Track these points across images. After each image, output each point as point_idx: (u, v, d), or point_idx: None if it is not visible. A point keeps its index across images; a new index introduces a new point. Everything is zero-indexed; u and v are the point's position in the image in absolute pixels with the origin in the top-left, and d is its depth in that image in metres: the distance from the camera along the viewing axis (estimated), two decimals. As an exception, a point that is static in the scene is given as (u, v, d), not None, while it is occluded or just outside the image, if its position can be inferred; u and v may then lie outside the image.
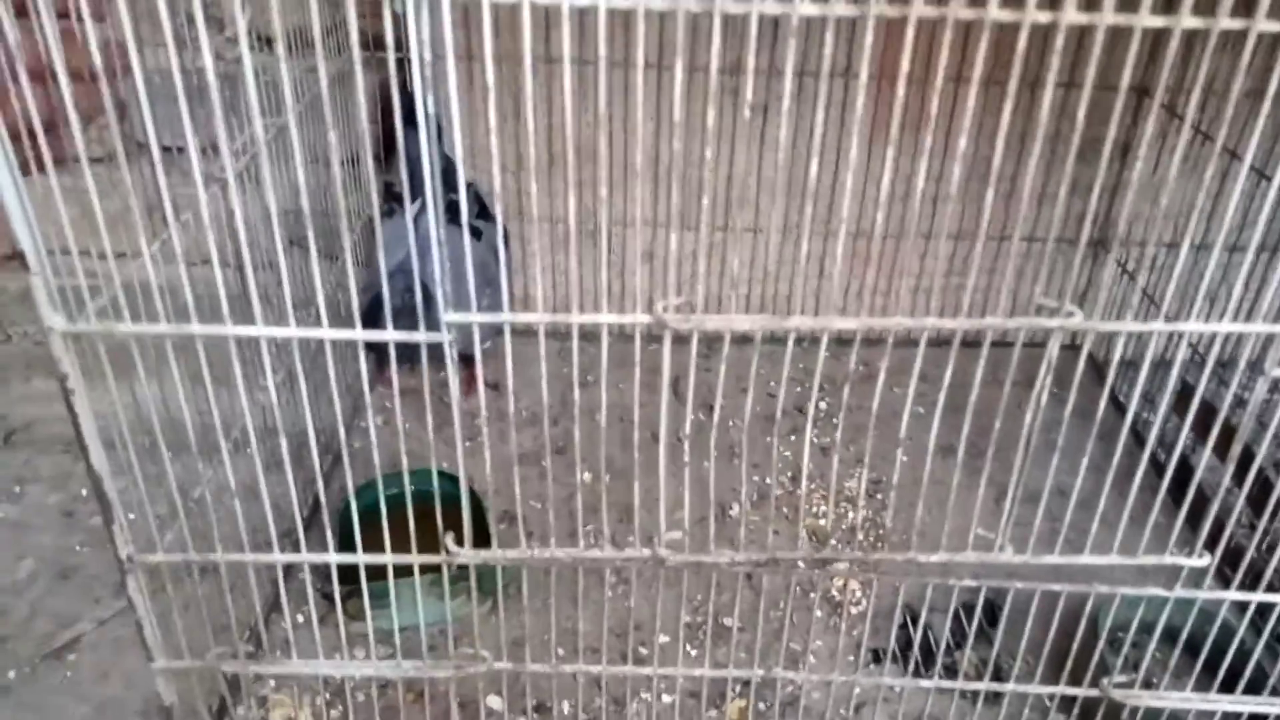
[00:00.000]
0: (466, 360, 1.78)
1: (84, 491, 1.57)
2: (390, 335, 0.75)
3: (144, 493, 0.80)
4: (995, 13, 0.61)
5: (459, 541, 0.82)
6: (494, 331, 1.60)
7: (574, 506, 1.43)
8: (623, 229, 1.79)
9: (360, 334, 0.76)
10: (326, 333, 0.74)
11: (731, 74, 1.62)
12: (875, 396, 0.81)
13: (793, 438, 1.63)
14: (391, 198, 1.61)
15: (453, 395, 0.78)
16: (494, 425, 1.63)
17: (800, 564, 1.32)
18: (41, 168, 0.69)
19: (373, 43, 1.58)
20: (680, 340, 0.72)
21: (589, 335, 1.86)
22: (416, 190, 1.62)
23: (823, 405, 1.70)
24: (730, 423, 1.66)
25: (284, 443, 0.80)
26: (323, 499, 0.90)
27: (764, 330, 0.73)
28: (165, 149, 0.67)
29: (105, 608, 1.38)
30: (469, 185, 1.66)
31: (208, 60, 0.60)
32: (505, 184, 1.73)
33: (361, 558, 0.86)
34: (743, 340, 1.88)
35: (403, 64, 1.59)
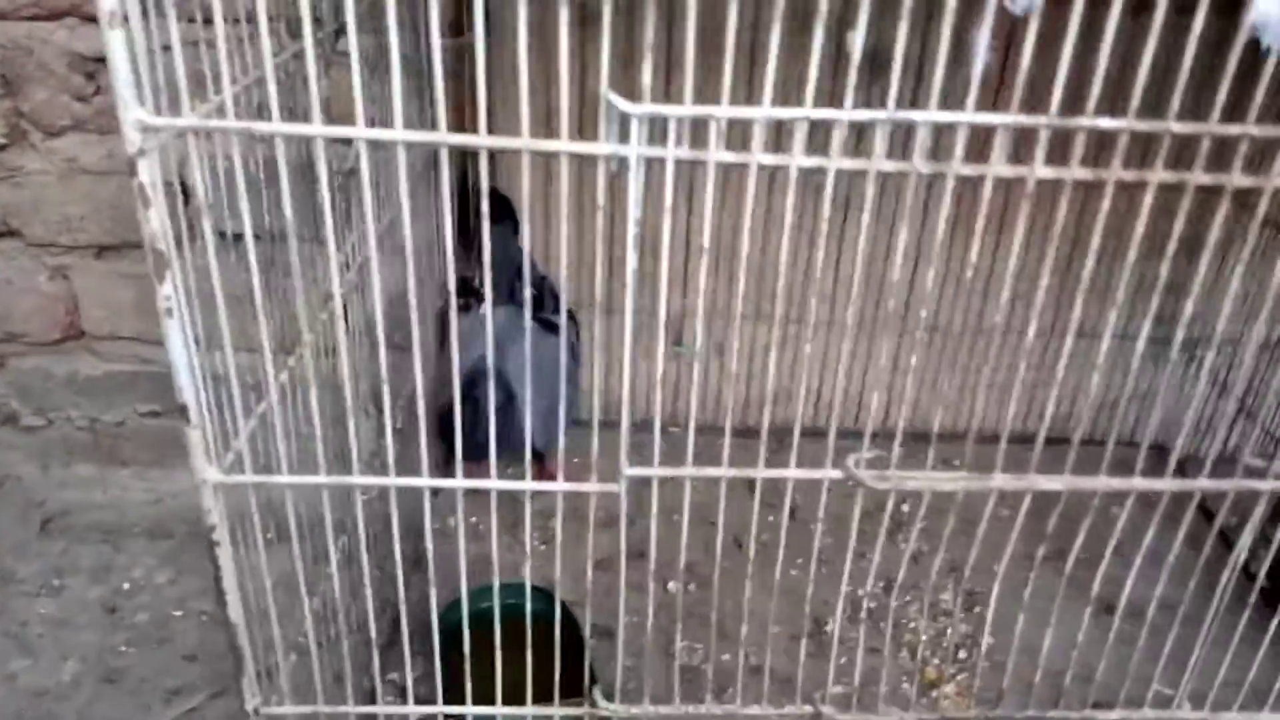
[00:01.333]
0: (538, 456, 1.72)
1: (126, 585, 1.50)
2: (561, 486, 0.70)
3: (279, 643, 0.73)
4: (1076, 172, 0.57)
5: (607, 695, 0.74)
6: (572, 423, 1.55)
7: (662, 620, 1.35)
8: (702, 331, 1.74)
9: (497, 484, 0.70)
10: (494, 484, 0.69)
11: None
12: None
13: (879, 542, 1.55)
14: (469, 293, 1.57)
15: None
16: (568, 526, 1.56)
17: None
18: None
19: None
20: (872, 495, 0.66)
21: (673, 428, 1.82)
22: (498, 285, 1.59)
23: (904, 508, 1.63)
24: (810, 526, 1.58)
25: (366, 570, 0.73)
26: (403, 621, 0.82)
27: (964, 490, 0.67)
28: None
29: (157, 716, 1.30)
30: (543, 279, 1.62)
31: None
32: (579, 279, 1.69)
33: (500, 710, 0.79)
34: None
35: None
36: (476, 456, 1.65)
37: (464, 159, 1.56)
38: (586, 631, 1.19)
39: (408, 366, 0.64)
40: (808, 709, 0.78)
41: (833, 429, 0.69)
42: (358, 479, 0.67)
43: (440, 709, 0.78)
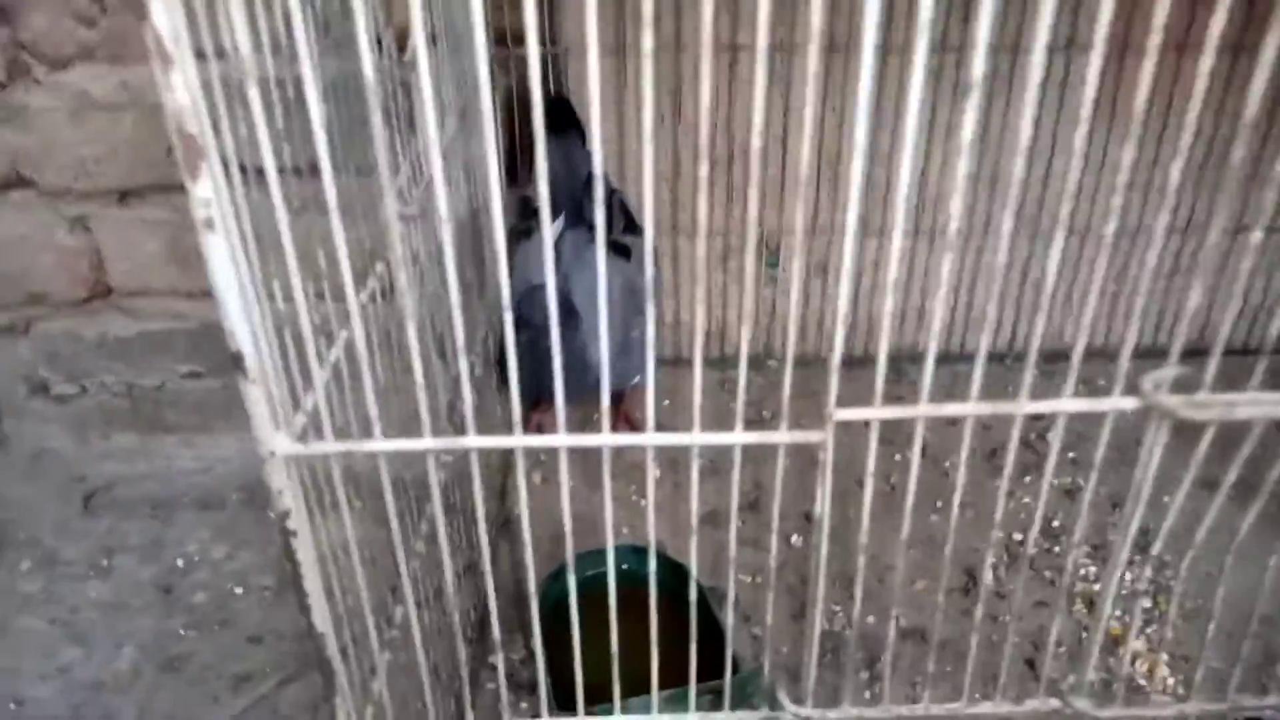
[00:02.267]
0: (615, 398, 1.54)
1: (180, 563, 1.35)
2: (741, 437, 0.52)
3: (375, 646, 0.56)
4: None
5: (797, 698, 0.56)
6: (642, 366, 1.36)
7: (789, 577, 1.19)
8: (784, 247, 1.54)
9: (609, 438, 0.52)
10: (607, 439, 0.51)
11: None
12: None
13: (1027, 479, 1.36)
14: (529, 214, 1.38)
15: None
16: (667, 476, 1.38)
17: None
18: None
19: (510, 39, 1.35)
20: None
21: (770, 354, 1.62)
22: (559, 207, 1.39)
23: (1048, 437, 1.42)
24: (946, 463, 1.39)
25: (446, 558, 0.56)
26: (492, 602, 0.65)
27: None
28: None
29: (225, 707, 1.15)
30: (613, 193, 1.41)
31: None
32: (659, 195, 1.49)
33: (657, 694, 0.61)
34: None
35: (547, 61, 1.36)
36: (536, 397, 1.49)
37: (521, 62, 1.35)
38: (731, 609, 1.02)
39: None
40: (1055, 703, 0.60)
41: (1128, 346, 0.49)
42: (473, 440, 0.49)
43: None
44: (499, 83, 1.36)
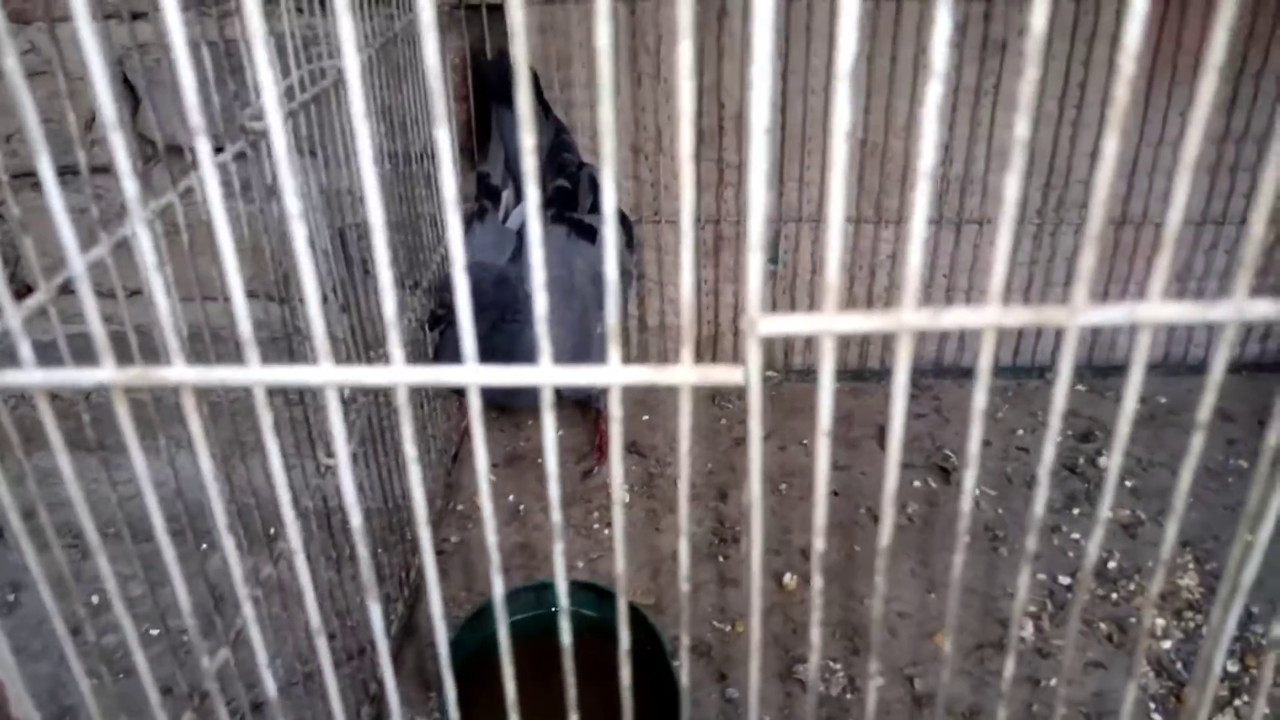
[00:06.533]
0: (583, 408, 1.33)
1: (94, 600, 1.17)
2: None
3: None
4: None
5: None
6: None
7: (775, 626, 0.97)
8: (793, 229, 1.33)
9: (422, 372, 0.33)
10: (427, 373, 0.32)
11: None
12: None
13: (1075, 511, 1.12)
14: (486, 193, 1.18)
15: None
16: (638, 502, 1.17)
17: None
18: None
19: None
20: None
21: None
22: (517, 185, 1.20)
23: (1100, 460, 1.19)
24: (978, 489, 1.16)
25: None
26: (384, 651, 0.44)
27: None
28: None
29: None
30: (581, 168, 1.22)
31: None
32: (638, 174, 1.29)
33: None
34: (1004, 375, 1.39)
35: (497, 17, 1.18)
36: (496, 403, 1.28)
37: (480, 23, 1.17)
38: (682, 654, 0.80)
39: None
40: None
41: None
42: (258, 372, 0.29)
43: None
44: (450, 43, 1.18)
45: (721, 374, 0.35)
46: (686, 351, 0.35)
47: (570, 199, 1.17)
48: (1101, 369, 1.39)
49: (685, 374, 0.35)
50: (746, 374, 0.35)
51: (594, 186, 1.19)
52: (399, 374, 0.35)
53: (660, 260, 1.34)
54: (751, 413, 0.36)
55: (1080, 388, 1.37)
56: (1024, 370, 1.39)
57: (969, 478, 0.37)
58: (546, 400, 0.36)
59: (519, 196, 1.14)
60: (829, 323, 0.32)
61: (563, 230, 1.13)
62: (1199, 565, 1.03)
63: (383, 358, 0.90)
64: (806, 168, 1.27)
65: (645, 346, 1.41)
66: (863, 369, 1.40)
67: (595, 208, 1.18)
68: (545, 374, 0.35)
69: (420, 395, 1.10)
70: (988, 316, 0.33)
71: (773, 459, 1.21)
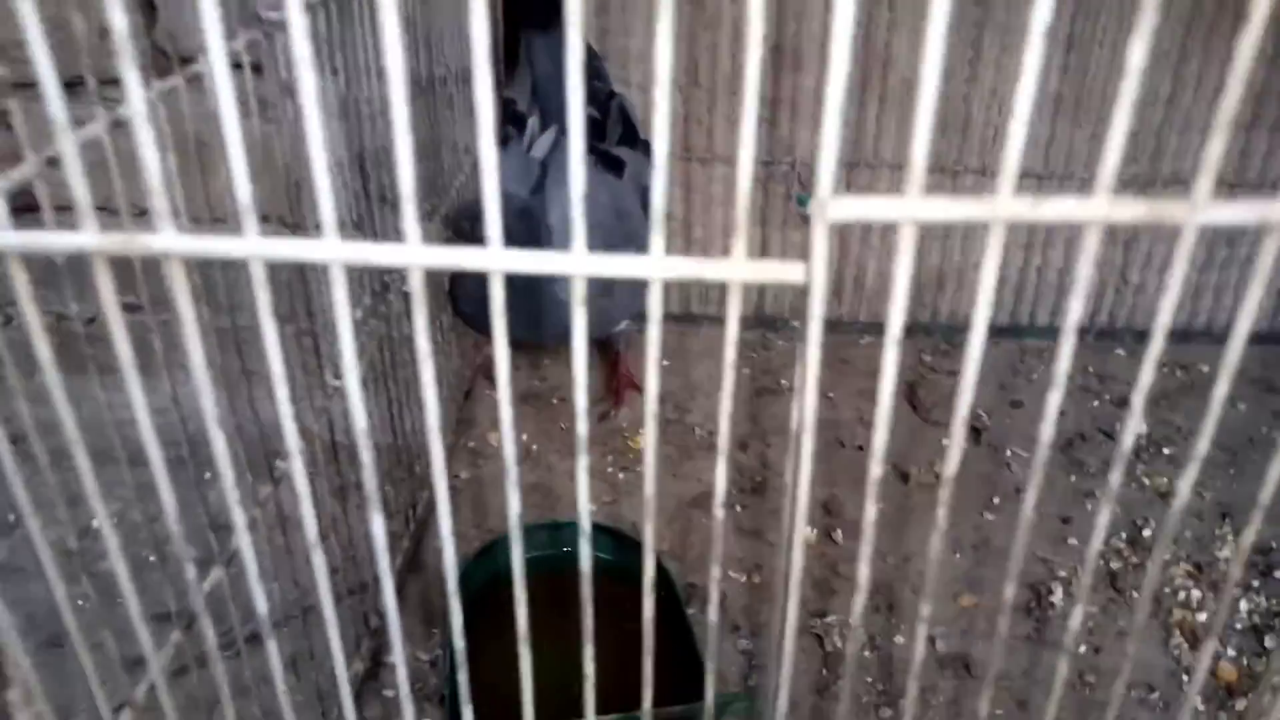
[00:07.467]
0: (602, 349, 1.29)
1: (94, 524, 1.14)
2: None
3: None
4: None
5: None
6: (637, 311, 1.10)
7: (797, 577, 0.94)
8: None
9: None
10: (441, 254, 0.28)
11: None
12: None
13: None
14: (511, 120, 1.13)
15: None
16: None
17: None
18: None
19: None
20: None
21: (771, 324, 1.37)
22: (544, 113, 1.14)
23: (1140, 427, 1.15)
24: (1007, 452, 1.12)
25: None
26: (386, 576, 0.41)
27: None
28: None
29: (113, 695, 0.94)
30: (611, 97, 1.16)
31: None
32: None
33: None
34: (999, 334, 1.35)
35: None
36: (484, 327, 1.23)
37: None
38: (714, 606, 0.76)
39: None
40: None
41: None
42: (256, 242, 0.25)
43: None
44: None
45: (779, 270, 0.31)
46: (739, 244, 0.31)
47: (599, 129, 1.12)
48: (1140, 333, 1.34)
49: (738, 269, 0.31)
50: (809, 270, 0.30)
51: (624, 117, 1.14)
52: (413, 254, 0.31)
53: (688, 198, 1.29)
54: (812, 316, 0.31)
55: (1120, 352, 1.32)
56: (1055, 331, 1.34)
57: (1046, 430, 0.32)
58: (578, 293, 0.32)
59: (544, 124, 1.09)
60: (912, 208, 0.28)
61: (589, 161, 1.08)
62: (1238, 537, 0.99)
63: (402, 296, 0.86)
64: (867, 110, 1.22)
65: (668, 290, 1.36)
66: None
67: (624, 139, 1.13)
68: (578, 262, 0.31)
69: (435, 328, 1.07)
70: (1095, 209, 0.28)
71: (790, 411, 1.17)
